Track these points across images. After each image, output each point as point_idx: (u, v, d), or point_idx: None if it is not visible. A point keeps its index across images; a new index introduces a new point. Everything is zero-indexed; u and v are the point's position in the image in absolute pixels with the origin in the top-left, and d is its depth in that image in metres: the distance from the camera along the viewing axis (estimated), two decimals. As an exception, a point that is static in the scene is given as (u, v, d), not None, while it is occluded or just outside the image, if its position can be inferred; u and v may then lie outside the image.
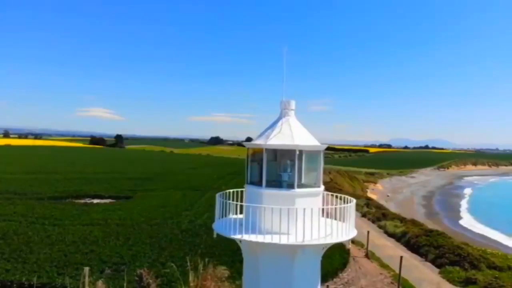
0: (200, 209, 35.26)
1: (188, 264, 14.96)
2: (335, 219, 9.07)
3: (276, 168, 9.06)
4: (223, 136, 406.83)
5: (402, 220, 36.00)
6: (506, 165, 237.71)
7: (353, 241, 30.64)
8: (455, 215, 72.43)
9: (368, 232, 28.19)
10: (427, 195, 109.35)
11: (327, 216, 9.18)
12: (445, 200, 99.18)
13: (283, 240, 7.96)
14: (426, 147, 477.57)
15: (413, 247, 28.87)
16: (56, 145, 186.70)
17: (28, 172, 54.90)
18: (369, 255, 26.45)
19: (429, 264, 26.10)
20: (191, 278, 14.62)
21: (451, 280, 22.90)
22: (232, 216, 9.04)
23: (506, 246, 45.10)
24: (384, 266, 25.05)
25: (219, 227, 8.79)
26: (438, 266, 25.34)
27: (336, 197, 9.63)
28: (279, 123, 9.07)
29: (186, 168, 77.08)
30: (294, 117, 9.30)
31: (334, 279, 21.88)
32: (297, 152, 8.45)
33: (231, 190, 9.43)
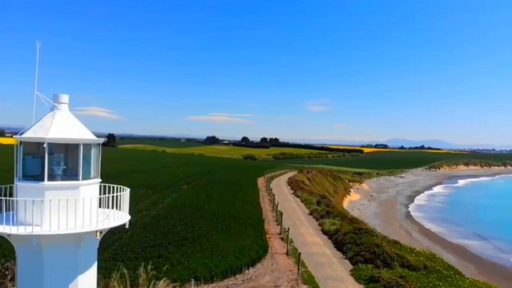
0: (142, 207, 35.56)
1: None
2: (113, 208, 9.39)
3: (52, 162, 9.24)
4: (220, 136, 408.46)
5: (343, 218, 36.08)
6: (498, 166, 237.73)
7: (282, 238, 30.76)
8: (423, 216, 73.03)
9: (288, 228, 28.36)
10: (412, 195, 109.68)
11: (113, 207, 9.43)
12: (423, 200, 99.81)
13: (13, 230, 8.13)
14: (422, 147, 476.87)
15: (339, 244, 29.00)
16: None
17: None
18: (288, 252, 26.52)
19: (347, 261, 26.13)
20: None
21: (357, 278, 22.95)
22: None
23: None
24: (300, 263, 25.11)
25: None
26: (354, 264, 25.38)
27: (114, 187, 9.79)
28: (45, 117, 9.21)
29: (160, 167, 77.24)
30: (66, 111, 9.41)
31: (237, 275, 22.00)
32: (45, 145, 8.60)
33: (5, 186, 9.56)
